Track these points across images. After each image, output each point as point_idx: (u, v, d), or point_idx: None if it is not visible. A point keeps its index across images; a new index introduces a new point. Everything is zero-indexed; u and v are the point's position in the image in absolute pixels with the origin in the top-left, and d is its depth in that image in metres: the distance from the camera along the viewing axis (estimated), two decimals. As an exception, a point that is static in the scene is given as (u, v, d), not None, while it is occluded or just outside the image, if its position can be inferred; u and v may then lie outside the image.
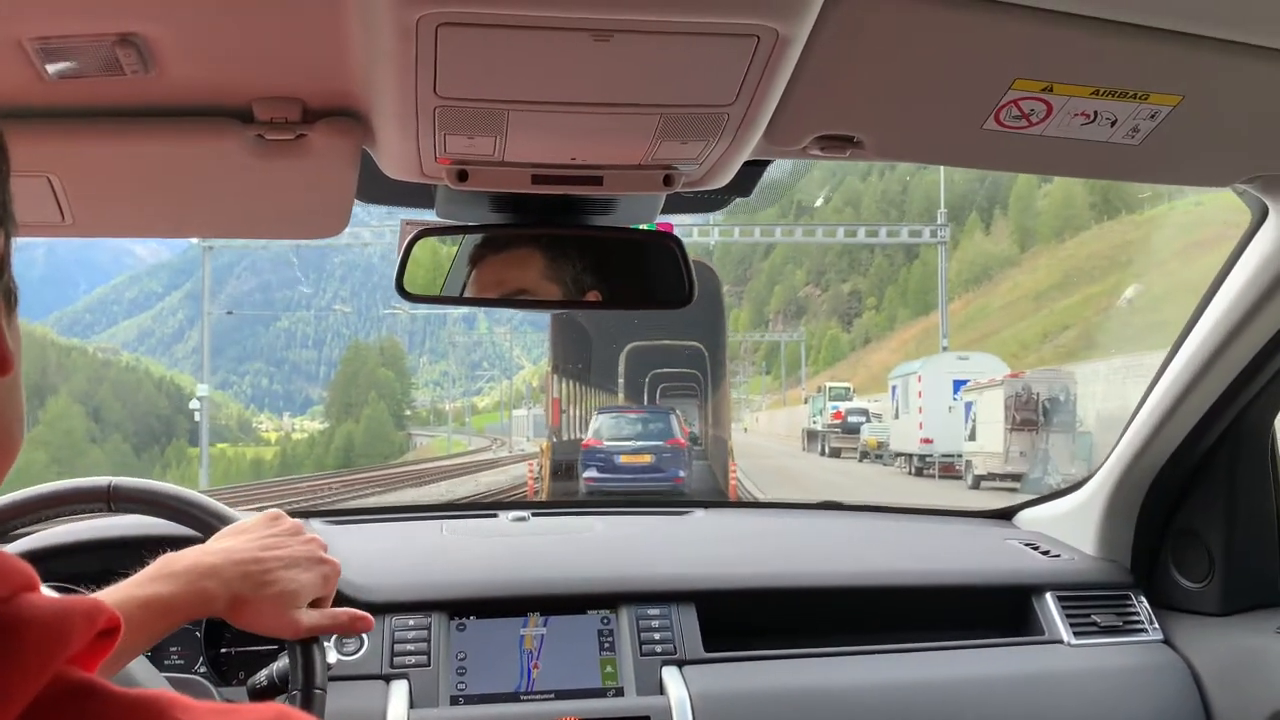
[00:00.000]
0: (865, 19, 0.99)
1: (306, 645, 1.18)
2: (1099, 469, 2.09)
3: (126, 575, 1.11)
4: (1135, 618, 1.93)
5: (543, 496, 16.97)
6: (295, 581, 1.14)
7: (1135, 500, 2.01)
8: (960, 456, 24.52)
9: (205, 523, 1.24)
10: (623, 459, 17.20)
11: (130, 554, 1.27)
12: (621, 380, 32.09)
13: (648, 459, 17.14)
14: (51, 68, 1.02)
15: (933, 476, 25.51)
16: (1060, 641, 1.86)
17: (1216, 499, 1.91)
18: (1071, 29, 1.01)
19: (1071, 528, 2.11)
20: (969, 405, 23.41)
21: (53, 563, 1.51)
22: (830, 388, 42.23)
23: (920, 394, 25.80)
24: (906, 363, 31.68)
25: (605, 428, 18.20)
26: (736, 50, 0.95)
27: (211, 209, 1.35)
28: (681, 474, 17.26)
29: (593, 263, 1.39)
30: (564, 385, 21.49)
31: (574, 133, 1.11)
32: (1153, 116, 1.14)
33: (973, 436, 22.98)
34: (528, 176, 1.20)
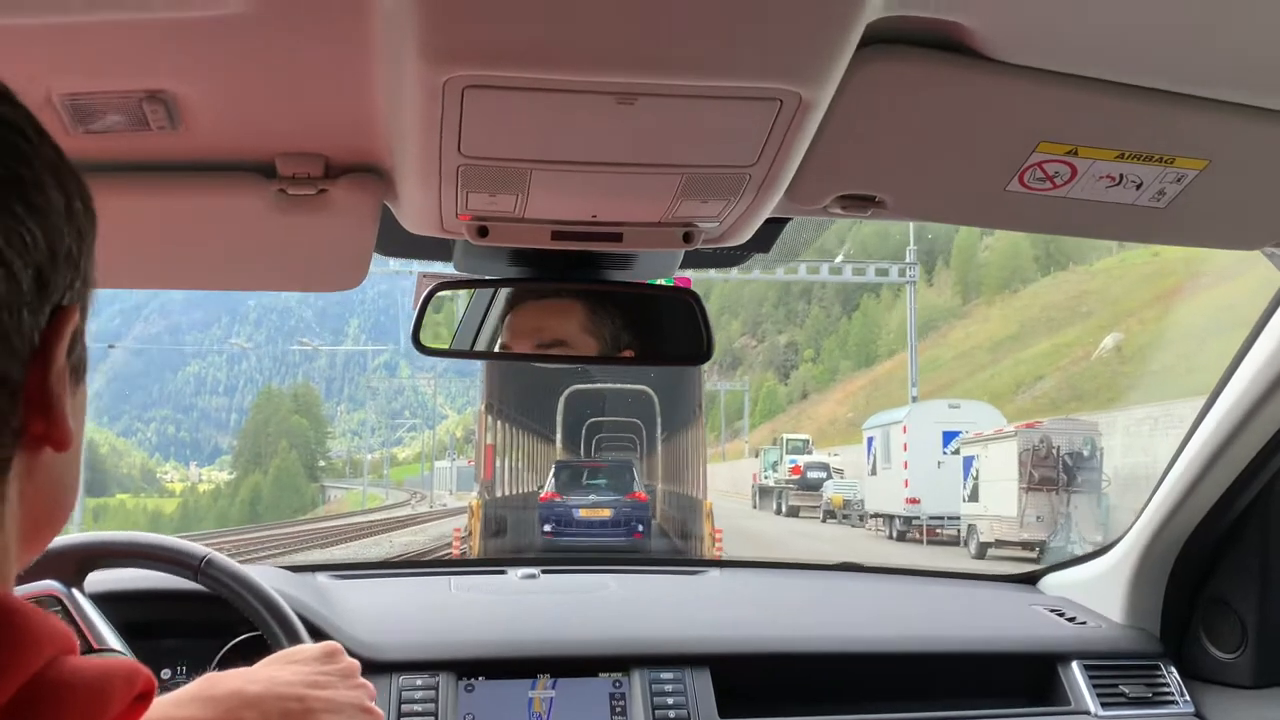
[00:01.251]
0: (888, 82, 1.06)
1: None
2: (1127, 532, 2.17)
3: (168, 626, 1.25)
4: (1165, 689, 2.02)
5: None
6: None
7: (1165, 566, 2.10)
8: (954, 520, 23.03)
9: (277, 635, 1.38)
10: (582, 513, 18.48)
11: (176, 606, 1.43)
12: (560, 430, 29.87)
13: (607, 513, 18.45)
14: (79, 123, 1.12)
15: (917, 541, 24.21)
16: (1087, 713, 1.94)
17: (1249, 566, 1.99)
18: (1097, 94, 1.09)
19: (1098, 594, 2.21)
20: (968, 460, 22.02)
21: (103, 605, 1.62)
22: (788, 440, 40.45)
23: (905, 446, 24.61)
24: (886, 411, 30.01)
25: (564, 481, 19.63)
26: (759, 113, 1.03)
27: (232, 262, 1.46)
28: (641, 529, 18.54)
29: (625, 317, 1.50)
30: (499, 430, 19.74)
31: (595, 191, 1.20)
32: (1179, 180, 1.22)
33: (974, 497, 21.59)
34: (548, 233, 1.30)
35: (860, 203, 1.30)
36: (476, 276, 1.52)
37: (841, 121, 1.10)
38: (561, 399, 26.90)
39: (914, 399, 31.60)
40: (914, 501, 24.43)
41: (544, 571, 2.28)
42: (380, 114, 1.12)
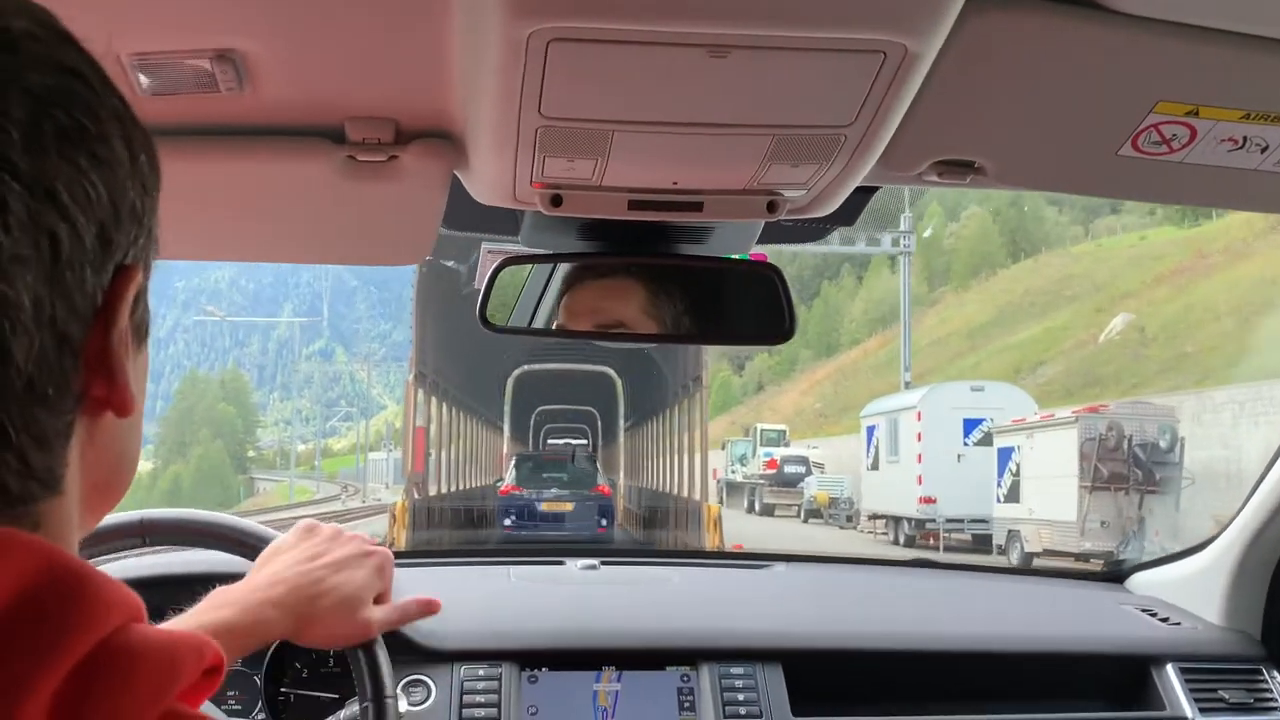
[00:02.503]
0: (999, 35, 1.08)
1: (370, 651, 1.38)
2: (1226, 528, 2.24)
3: (181, 612, 1.28)
4: (1268, 694, 2.09)
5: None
6: (351, 583, 1.35)
7: (1268, 564, 2.17)
8: (979, 523, 21.62)
9: (245, 545, 1.44)
10: (544, 506, 19.99)
11: (181, 591, 1.54)
12: (508, 416, 28.93)
13: (569, 507, 19.97)
14: (147, 84, 1.18)
15: (931, 548, 22.44)
16: (1184, 718, 2.03)
17: (1362, 566, 2.00)
18: (1221, 47, 1.10)
19: (1193, 593, 2.29)
20: (1005, 453, 20.38)
21: None
22: (762, 431, 39.24)
23: (919, 436, 22.99)
24: (892, 395, 28.33)
25: (525, 474, 21.10)
26: (860, 68, 1.05)
27: (295, 233, 1.53)
28: (604, 523, 19.92)
29: (690, 295, 1.58)
30: (434, 411, 18.62)
31: (678, 155, 1.24)
32: None
33: (1013, 496, 20.02)
34: (624, 202, 1.35)
35: (959, 169, 1.34)
36: (545, 251, 1.60)
37: (946, 78, 1.12)
38: (510, 380, 26.19)
39: (906, 384, 30.10)
40: (929, 501, 22.87)
41: (604, 563, 2.41)
42: (456, 73, 1.16)
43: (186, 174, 1.34)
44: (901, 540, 24.36)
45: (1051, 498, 18.76)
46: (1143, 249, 50.53)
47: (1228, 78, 1.16)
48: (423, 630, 1.91)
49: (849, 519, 30.06)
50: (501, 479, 23.11)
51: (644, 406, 24.77)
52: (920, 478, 23.28)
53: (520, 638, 1.96)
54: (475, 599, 2.13)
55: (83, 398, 0.60)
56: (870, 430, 26.59)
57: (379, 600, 1.39)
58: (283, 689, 1.91)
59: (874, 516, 26.97)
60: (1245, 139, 1.26)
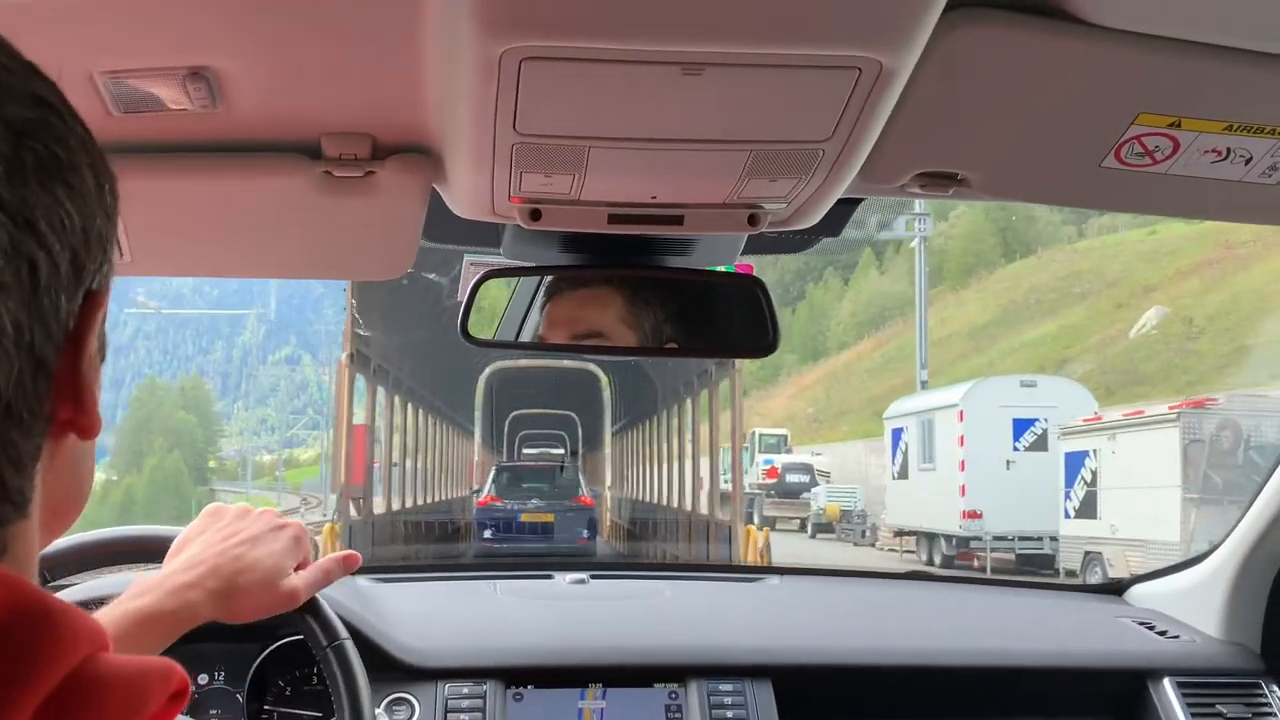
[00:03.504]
0: (978, 48, 1.12)
1: (314, 611, 1.47)
2: (1225, 539, 2.27)
3: (203, 630, 1.34)
4: (1266, 708, 2.13)
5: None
6: (270, 555, 1.41)
7: (1266, 577, 2.21)
8: (1031, 541, 19.84)
9: (148, 549, 1.49)
10: (524, 517, 20.23)
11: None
12: (480, 420, 27.83)
13: (550, 518, 20.24)
14: (120, 102, 1.22)
15: (973, 568, 20.19)
16: None
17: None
18: (1203, 59, 1.14)
19: (1192, 606, 2.33)
20: (1075, 458, 17.89)
21: None
22: (760, 436, 37.08)
23: (962, 440, 20.73)
24: (925, 392, 26.08)
25: (504, 484, 21.43)
26: (836, 83, 1.09)
27: (274, 248, 1.57)
28: (585, 534, 20.27)
29: (672, 307, 1.63)
30: (383, 406, 16.83)
31: (656, 170, 1.28)
32: None
33: (1088, 511, 17.45)
34: (604, 216, 1.40)
35: (941, 181, 1.38)
36: (526, 264, 1.65)
37: (924, 92, 1.16)
38: (482, 379, 25.19)
39: (923, 384, 28.60)
40: (973, 516, 20.52)
41: (593, 576, 2.47)
42: (431, 90, 1.20)
43: (162, 191, 1.38)
44: (937, 560, 21.86)
45: (1142, 513, 15.75)
46: (1154, 244, 50.52)
47: (1209, 90, 1.20)
48: (405, 647, 1.94)
49: (865, 534, 28.22)
50: (478, 489, 23.12)
51: (637, 407, 23.86)
52: (963, 488, 20.75)
53: (506, 654, 1.99)
54: (460, 615, 2.18)
55: (50, 420, 0.63)
56: (896, 434, 24.12)
57: (299, 569, 1.47)
58: (265, 706, 1.94)
59: (901, 533, 24.48)
60: (1229, 150, 1.30)
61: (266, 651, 1.93)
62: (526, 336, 1.72)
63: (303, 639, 1.55)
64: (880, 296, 68.72)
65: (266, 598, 1.41)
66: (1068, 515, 18.33)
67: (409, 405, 19.12)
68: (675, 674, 2.00)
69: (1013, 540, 20.52)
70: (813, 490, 31.80)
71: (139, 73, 1.20)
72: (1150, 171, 1.33)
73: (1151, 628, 2.33)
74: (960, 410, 21.28)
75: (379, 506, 16.59)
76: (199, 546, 1.43)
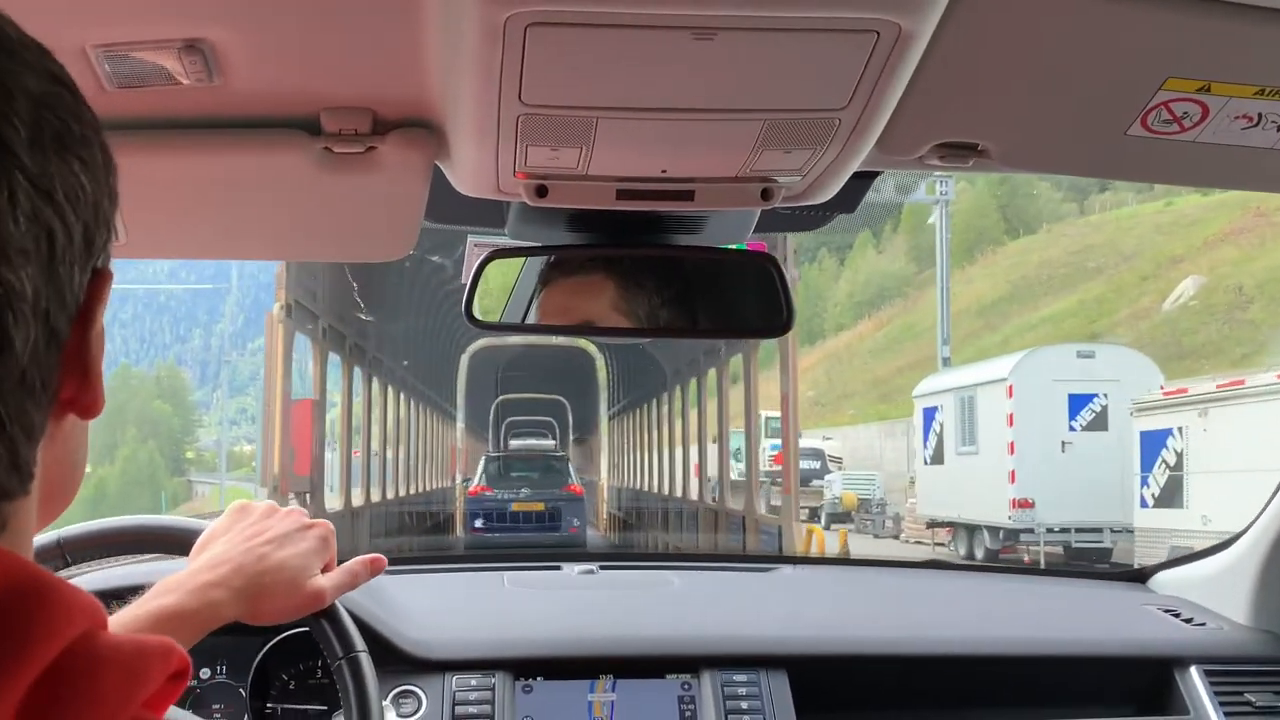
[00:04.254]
0: (999, 11, 1.11)
1: (330, 616, 1.47)
2: (1252, 524, 2.29)
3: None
4: None
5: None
6: (296, 556, 1.43)
7: None
8: (1090, 533, 18.57)
9: (174, 541, 1.50)
10: (514, 506, 21.56)
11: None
12: (463, 404, 27.11)
13: (540, 507, 21.57)
14: (113, 76, 1.22)
15: (1022, 566, 16.23)
16: None
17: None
18: (1233, 20, 1.13)
19: (1218, 592, 2.35)
20: (1156, 438, 16.26)
21: None
22: (766, 419, 38.71)
23: (1011, 419, 18.99)
24: (963, 367, 24.35)
25: (494, 474, 22.63)
26: (853, 48, 1.08)
27: (273, 228, 1.58)
28: (576, 523, 21.61)
29: (677, 288, 1.63)
30: (346, 375, 15.14)
31: (666, 142, 1.27)
32: None
33: (1171, 498, 15.96)
34: (612, 192, 1.40)
35: (961, 152, 1.37)
36: (532, 244, 1.67)
37: (945, 57, 1.15)
38: (465, 358, 24.87)
39: (945, 361, 27.23)
40: (1025, 505, 18.84)
41: (602, 567, 2.49)
42: (433, 60, 1.19)
43: (157, 170, 1.38)
44: (979, 555, 20.24)
45: (1242, 501, 11.64)
46: (1173, 215, 50.31)
47: (1240, 53, 1.19)
48: (412, 639, 1.96)
49: (887, 525, 26.81)
50: (467, 479, 24.10)
51: (636, 390, 23.12)
52: (1013, 474, 18.90)
53: (514, 646, 2.01)
54: (468, 606, 2.20)
55: (55, 396, 0.65)
56: (929, 413, 22.23)
57: (324, 570, 1.48)
58: (269, 703, 1.96)
59: (934, 524, 22.75)
60: (1260, 116, 1.29)
61: (270, 645, 1.95)
62: (533, 319, 1.72)
63: (308, 631, 1.56)
64: (879, 276, 68.70)
65: (292, 599, 1.43)
66: (1144, 504, 16.53)
67: (374, 381, 17.53)
68: (688, 664, 2.01)
69: (1069, 532, 18.89)
70: (826, 478, 29.89)
71: (133, 45, 1.19)
72: (1178, 139, 1.32)
73: (1177, 615, 2.33)
74: (1009, 385, 19.15)
75: (333, 502, 15.33)
76: (224, 544, 1.44)
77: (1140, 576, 2.62)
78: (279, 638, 1.94)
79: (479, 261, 1.62)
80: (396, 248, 1.62)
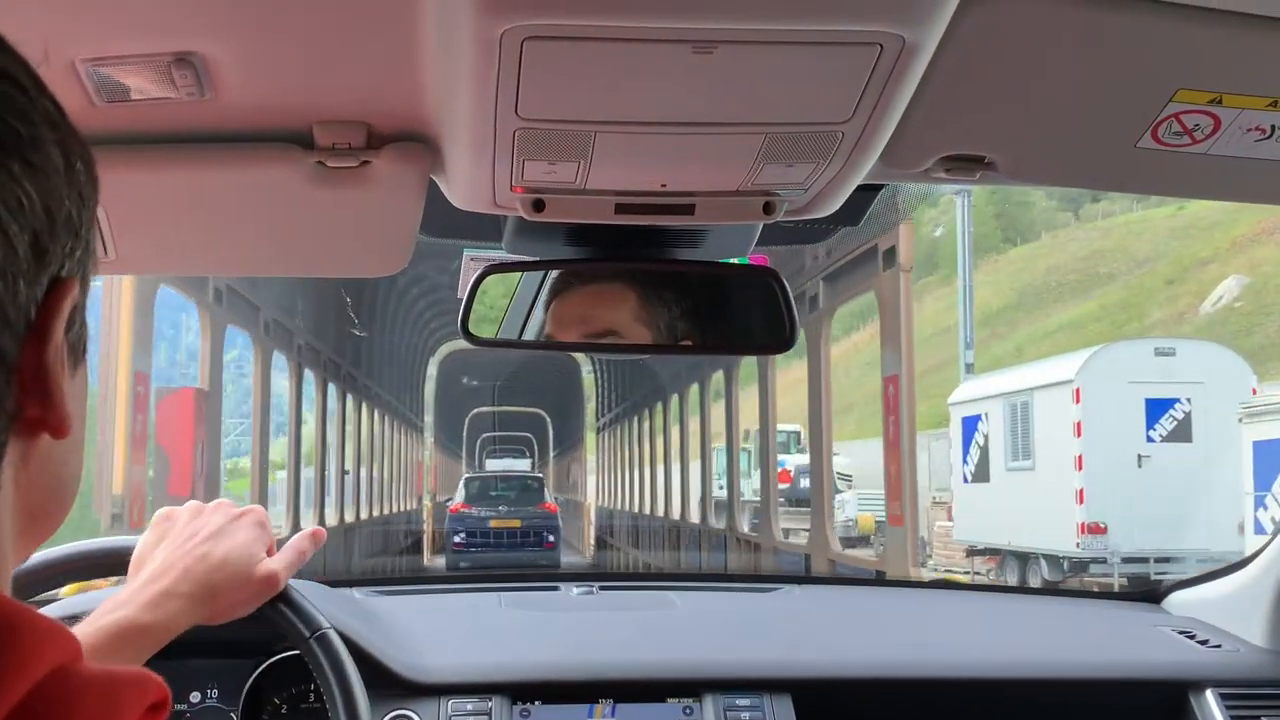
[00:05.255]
0: (1006, 22, 1.12)
1: (290, 602, 1.50)
2: (1269, 543, 2.30)
3: (194, 645, 1.38)
4: None
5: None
6: (238, 547, 1.45)
7: None
8: (1185, 561, 15.34)
9: (111, 562, 1.52)
10: (493, 523, 23.69)
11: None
12: (433, 417, 27.32)
13: (518, 523, 23.82)
14: (102, 91, 1.24)
15: (1033, 586, 15.43)
16: None
17: None
18: (1246, 31, 1.14)
19: (1235, 613, 2.36)
20: (1268, 450, 14.38)
21: None
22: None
23: (1079, 429, 16.47)
24: (1009, 369, 21.46)
25: (475, 492, 24.83)
26: (855, 61, 1.10)
27: (265, 243, 1.59)
28: (551, 539, 23.75)
29: (686, 302, 1.65)
30: (294, 377, 13.88)
31: (666, 156, 1.29)
32: None
33: None
34: (611, 206, 1.42)
35: (968, 165, 1.39)
36: (530, 258, 1.68)
37: (950, 70, 1.17)
38: (434, 362, 24.87)
39: (968, 367, 25.18)
40: (1096, 530, 16.31)
41: (601, 587, 2.50)
42: (428, 74, 1.21)
43: (147, 185, 1.40)
44: (1025, 581, 17.63)
45: None
46: (1186, 220, 50.17)
47: (1252, 64, 1.20)
48: (406, 662, 1.96)
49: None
50: (449, 499, 25.80)
51: (622, 404, 22.41)
52: (1081, 493, 16.47)
53: (511, 669, 2.01)
54: (463, 628, 2.20)
55: (16, 417, 0.63)
56: (970, 423, 19.75)
57: (268, 555, 1.50)
58: None
59: (974, 552, 20.35)
60: (1273, 128, 1.30)
61: (261, 668, 1.96)
62: (531, 335, 1.74)
63: (299, 654, 1.57)
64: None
65: (246, 590, 1.45)
66: (1260, 529, 14.28)
67: (307, 370, 15.89)
68: (689, 688, 2.02)
69: (1146, 563, 16.42)
70: (838, 497, 26.73)
71: (123, 59, 1.21)
72: (1190, 152, 1.34)
73: (1192, 636, 2.33)
74: (1076, 388, 16.57)
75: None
76: (163, 554, 1.45)
77: (1154, 596, 2.63)
78: (270, 661, 1.95)
79: (475, 276, 1.64)
80: (391, 262, 1.64)
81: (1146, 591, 2.68)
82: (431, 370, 25.05)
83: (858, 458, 31.52)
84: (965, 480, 20.06)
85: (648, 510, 21.73)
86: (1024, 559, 18.15)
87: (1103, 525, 16.38)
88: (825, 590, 2.69)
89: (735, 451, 16.03)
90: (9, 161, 0.60)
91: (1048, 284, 53.40)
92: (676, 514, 19.24)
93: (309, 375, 15.28)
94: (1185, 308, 40.93)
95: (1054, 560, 17.47)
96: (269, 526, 1.51)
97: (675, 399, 18.88)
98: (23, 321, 0.62)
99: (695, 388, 17.61)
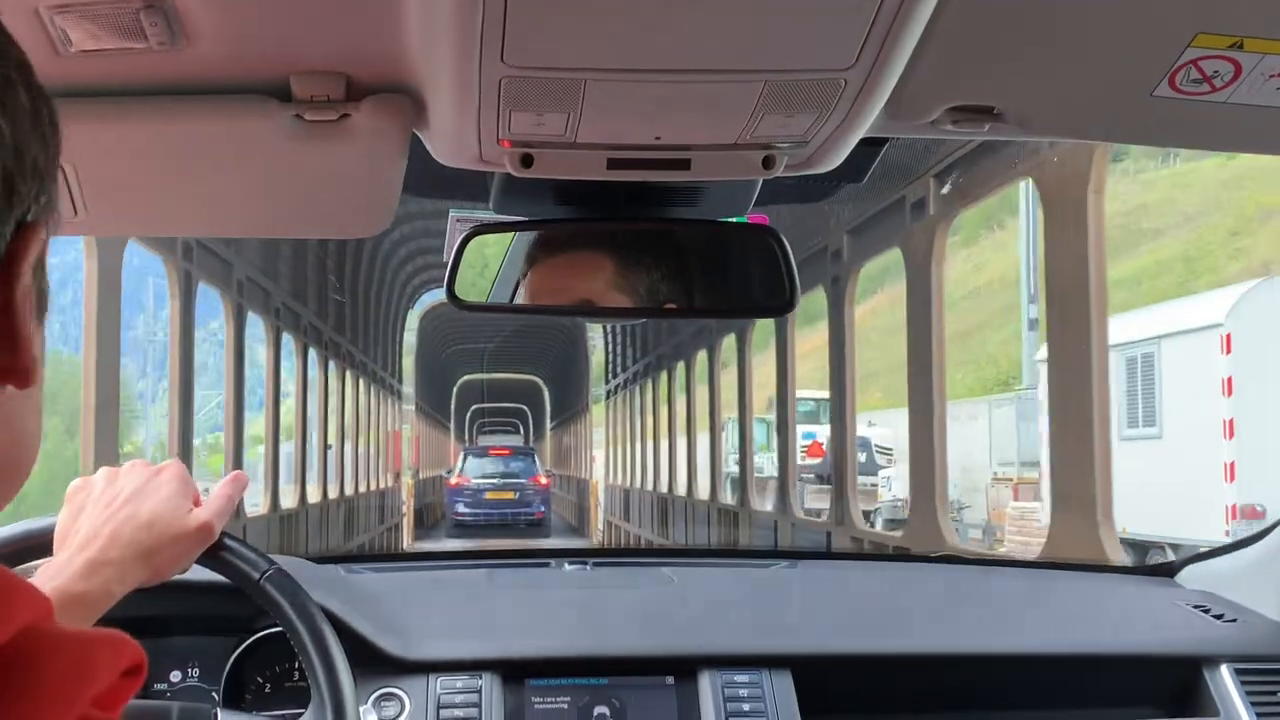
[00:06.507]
0: None
1: (229, 547, 1.52)
2: None
3: (174, 622, 1.42)
4: None
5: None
6: (163, 502, 1.45)
7: None
8: None
9: (35, 544, 1.52)
10: (489, 495, 28.40)
11: (182, 599, 1.62)
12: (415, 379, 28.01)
13: (512, 495, 28.54)
14: (70, 39, 1.22)
15: (1043, 561, 8.09)
16: None
17: None
18: None
19: (1250, 586, 2.37)
20: None
21: None
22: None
23: (1228, 385, 13.43)
24: (1138, 311, 17.05)
25: (472, 466, 29.33)
26: (858, 3, 1.09)
27: (240, 202, 1.58)
28: (541, 509, 28.73)
29: (674, 264, 1.64)
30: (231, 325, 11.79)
31: (660, 106, 1.28)
32: None
33: None
34: (603, 160, 1.41)
35: (976, 116, 1.38)
36: (518, 218, 1.68)
37: (956, 14, 1.16)
38: (415, 318, 24.66)
39: (1032, 323, 22.64)
40: (1252, 515, 13.00)
41: (595, 563, 2.52)
42: (410, 20, 1.20)
43: (116, 139, 1.38)
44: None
45: None
46: (1236, 170, 50.02)
47: (1275, 6, 1.20)
48: (393, 640, 1.97)
49: (970, 537, 20.81)
50: (449, 470, 30.02)
51: (641, 360, 20.96)
52: (1230, 467, 13.41)
53: (503, 645, 2.02)
54: (452, 604, 2.21)
55: None
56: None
57: (196, 506, 1.51)
58: (244, 707, 1.98)
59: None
60: None
61: (243, 646, 1.96)
62: (523, 299, 1.72)
63: (281, 631, 1.57)
64: (881, 259, 70.11)
65: (181, 544, 1.46)
66: None
67: (310, 350, 15.10)
68: (686, 664, 2.03)
69: None
70: (880, 474, 23.70)
71: (91, 5, 1.20)
72: (1209, 100, 1.32)
73: (1207, 611, 2.34)
74: (1226, 334, 13.46)
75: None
76: (87, 522, 1.45)
77: (1169, 571, 2.64)
78: (252, 639, 1.95)
79: (461, 238, 1.63)
80: (374, 222, 1.63)
81: (1160, 565, 2.69)
82: (413, 323, 24.55)
83: (897, 426, 25.72)
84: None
85: (666, 488, 19.65)
86: (1143, 549, 14.45)
87: (1260, 509, 13.23)
88: (825, 565, 2.70)
89: (749, 421, 14.66)
90: None
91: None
92: (704, 493, 17.39)
93: (287, 340, 14.27)
94: (1271, 256, 39.68)
95: (1189, 552, 12.94)
96: (190, 479, 1.51)
97: (703, 357, 17.29)
98: None
99: (704, 354, 16.74)
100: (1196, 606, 2.37)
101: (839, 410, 11.09)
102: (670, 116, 1.32)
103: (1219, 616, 2.32)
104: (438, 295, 21.23)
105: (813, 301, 11.94)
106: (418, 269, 19.79)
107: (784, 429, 12.91)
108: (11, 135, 0.63)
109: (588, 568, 2.48)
